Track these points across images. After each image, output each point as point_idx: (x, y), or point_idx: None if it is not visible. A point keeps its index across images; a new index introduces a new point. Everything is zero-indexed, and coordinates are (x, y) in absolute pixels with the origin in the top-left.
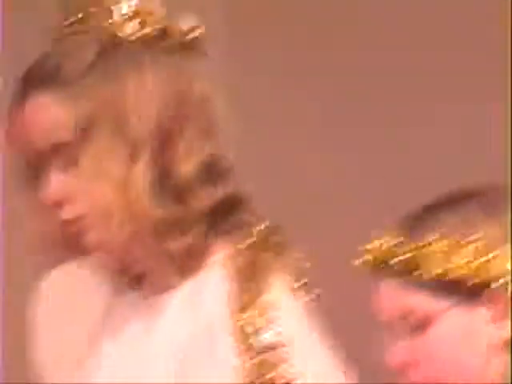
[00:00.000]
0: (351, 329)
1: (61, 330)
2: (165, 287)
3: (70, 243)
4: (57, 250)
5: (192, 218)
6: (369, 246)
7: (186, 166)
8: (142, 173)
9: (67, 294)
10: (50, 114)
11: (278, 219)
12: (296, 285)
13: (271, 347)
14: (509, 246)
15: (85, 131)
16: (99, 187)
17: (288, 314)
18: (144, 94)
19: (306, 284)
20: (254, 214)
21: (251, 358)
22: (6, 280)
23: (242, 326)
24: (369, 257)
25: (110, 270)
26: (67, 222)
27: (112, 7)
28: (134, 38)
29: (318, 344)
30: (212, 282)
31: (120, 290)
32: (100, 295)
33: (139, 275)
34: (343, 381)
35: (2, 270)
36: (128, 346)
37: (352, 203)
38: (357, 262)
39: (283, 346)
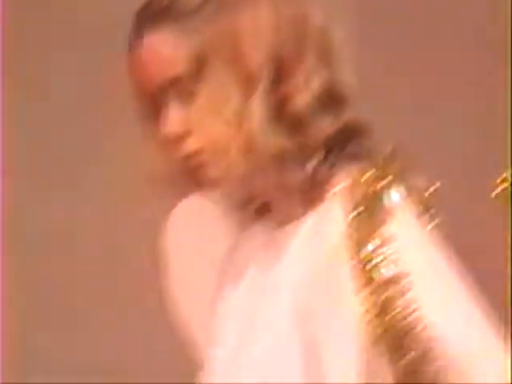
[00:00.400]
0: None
1: (190, 262)
2: (289, 219)
3: (190, 177)
4: (178, 185)
5: (311, 148)
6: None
7: (304, 96)
8: (258, 105)
9: (194, 226)
10: (167, 48)
11: (399, 145)
12: (419, 213)
13: (393, 280)
14: None
15: (201, 64)
16: (215, 121)
17: (411, 244)
18: (260, 23)
19: (429, 211)
20: (374, 142)
21: (372, 292)
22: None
23: (362, 259)
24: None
25: (234, 202)
26: (186, 157)
27: None
28: None
29: (444, 271)
30: (333, 215)
31: (244, 221)
32: (225, 227)
33: (263, 207)
34: (471, 304)
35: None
36: (254, 278)
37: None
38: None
39: (405, 277)
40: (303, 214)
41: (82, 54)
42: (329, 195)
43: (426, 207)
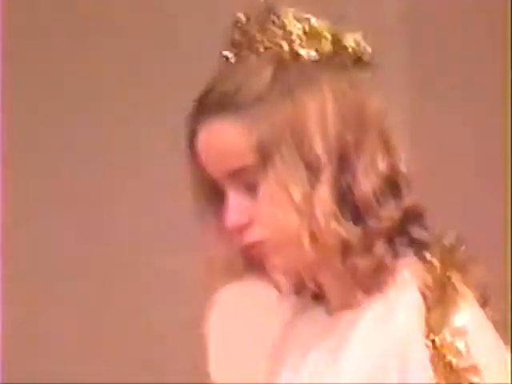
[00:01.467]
0: None
1: (236, 345)
2: (349, 305)
3: (251, 265)
4: (237, 272)
5: (375, 235)
6: None
7: (369, 182)
8: (324, 194)
9: (243, 310)
10: (229, 139)
11: (458, 232)
12: (480, 302)
13: (465, 370)
14: None
15: (265, 155)
16: (281, 211)
17: (480, 336)
18: (324, 111)
19: (488, 300)
20: (433, 228)
21: (448, 380)
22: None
23: (435, 348)
24: None
25: (289, 289)
26: (248, 246)
27: (291, 28)
28: (309, 56)
29: (507, 364)
30: (403, 301)
31: (298, 308)
32: (275, 313)
33: (318, 294)
34: None
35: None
36: (316, 365)
37: None
38: None
39: (477, 369)
40: (365, 299)
41: None
42: (396, 280)
43: (487, 296)
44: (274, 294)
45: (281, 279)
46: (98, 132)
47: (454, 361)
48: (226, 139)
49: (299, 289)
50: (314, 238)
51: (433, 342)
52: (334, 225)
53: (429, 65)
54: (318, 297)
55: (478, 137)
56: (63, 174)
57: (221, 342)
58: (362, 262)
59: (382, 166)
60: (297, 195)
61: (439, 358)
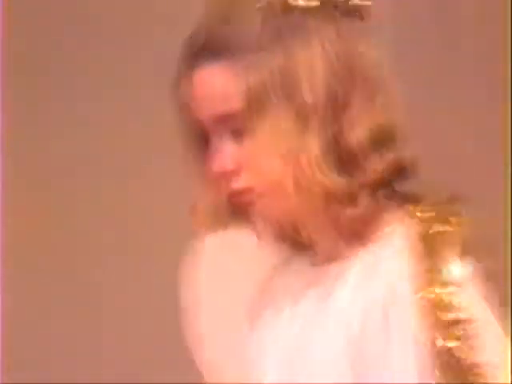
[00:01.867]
0: None
1: (219, 295)
2: (334, 256)
3: (236, 213)
4: (222, 219)
5: (363, 186)
6: None
7: (356, 134)
8: (313, 142)
9: (225, 259)
10: (221, 84)
11: (449, 187)
12: (469, 257)
13: (454, 323)
14: None
15: (254, 101)
16: (270, 158)
17: (468, 288)
18: (313, 60)
19: (475, 256)
20: (423, 182)
21: (437, 332)
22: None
23: (421, 301)
24: None
25: (273, 238)
26: (235, 192)
27: None
28: (300, 6)
29: (494, 318)
30: (388, 255)
31: (281, 258)
32: (258, 263)
33: (302, 244)
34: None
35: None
36: (298, 312)
37: None
38: None
39: (466, 322)
40: (351, 252)
41: None
42: (383, 233)
43: (476, 252)
44: (256, 244)
45: (264, 228)
46: (98, 132)
47: (443, 314)
48: (215, 83)
49: (283, 239)
50: (298, 186)
51: (421, 296)
52: (319, 174)
53: (424, 59)
54: (302, 248)
55: (477, 136)
56: (63, 174)
57: (203, 290)
58: (346, 213)
59: (369, 118)
60: (284, 143)
61: (428, 311)
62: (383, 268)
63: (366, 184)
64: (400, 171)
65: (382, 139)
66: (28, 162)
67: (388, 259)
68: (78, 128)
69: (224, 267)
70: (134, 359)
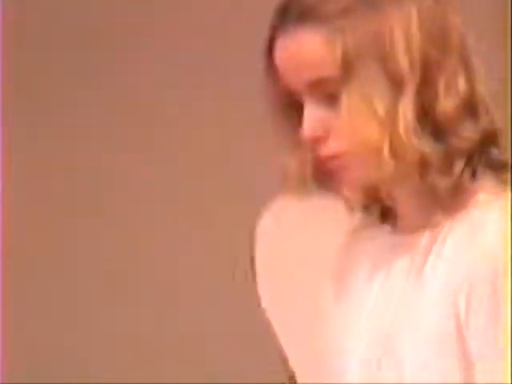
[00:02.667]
0: None
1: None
2: (422, 225)
3: (323, 179)
4: (310, 185)
5: (455, 154)
6: None
7: (448, 102)
8: (407, 108)
9: (305, 220)
10: (312, 49)
11: None
12: None
13: None
14: None
15: (348, 66)
16: (363, 124)
17: None
18: (408, 26)
19: None
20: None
21: None
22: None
23: None
24: None
25: (357, 205)
26: (325, 158)
27: None
28: None
29: None
30: (489, 221)
31: (362, 226)
32: (337, 229)
33: (385, 212)
34: None
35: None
36: (390, 289)
37: None
38: None
39: None
40: (439, 220)
41: None
42: (474, 202)
43: None
44: (335, 211)
45: (350, 196)
46: (98, 132)
47: None
48: (309, 49)
49: (366, 207)
50: (394, 151)
51: None
52: (415, 140)
53: None
54: (384, 216)
55: None
56: (63, 173)
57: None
58: (441, 180)
59: (462, 85)
60: (380, 108)
61: None
62: (484, 240)
63: (462, 152)
64: (493, 140)
65: (476, 106)
66: (28, 162)
67: (487, 230)
68: (78, 128)
69: (302, 230)
70: (134, 359)
